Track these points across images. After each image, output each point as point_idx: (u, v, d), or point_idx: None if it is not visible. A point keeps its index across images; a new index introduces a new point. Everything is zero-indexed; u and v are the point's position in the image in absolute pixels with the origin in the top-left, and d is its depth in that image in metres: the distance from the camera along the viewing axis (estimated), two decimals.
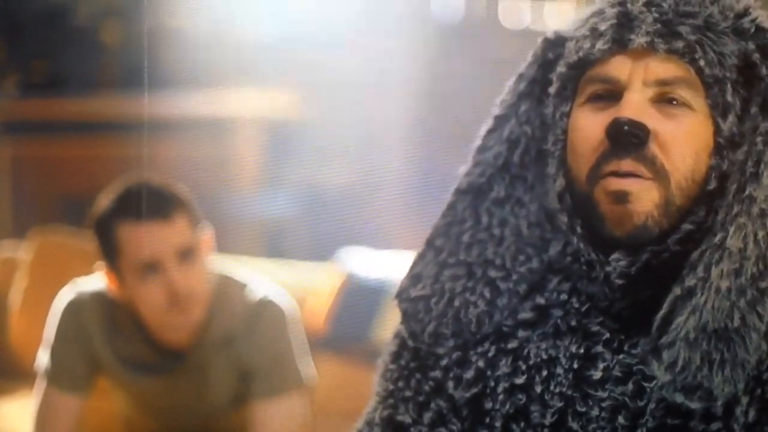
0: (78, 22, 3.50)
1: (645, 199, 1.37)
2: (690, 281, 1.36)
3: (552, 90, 1.45)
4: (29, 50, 3.41)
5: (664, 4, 1.39)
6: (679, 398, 1.35)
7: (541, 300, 1.46)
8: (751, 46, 1.39)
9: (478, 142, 1.50)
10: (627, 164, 1.36)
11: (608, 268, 1.39)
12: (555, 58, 1.46)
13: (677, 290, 1.37)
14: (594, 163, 1.38)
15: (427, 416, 1.47)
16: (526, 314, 1.46)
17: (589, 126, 1.39)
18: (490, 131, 1.50)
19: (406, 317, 1.49)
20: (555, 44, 1.47)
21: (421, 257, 1.50)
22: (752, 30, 1.39)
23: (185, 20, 2.75)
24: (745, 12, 1.40)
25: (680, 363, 1.35)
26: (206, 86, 2.80)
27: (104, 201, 2.52)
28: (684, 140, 1.37)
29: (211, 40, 2.72)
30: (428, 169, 2.59)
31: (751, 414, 1.36)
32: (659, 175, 1.36)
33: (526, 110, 1.48)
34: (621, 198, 1.37)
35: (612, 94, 1.39)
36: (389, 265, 3.02)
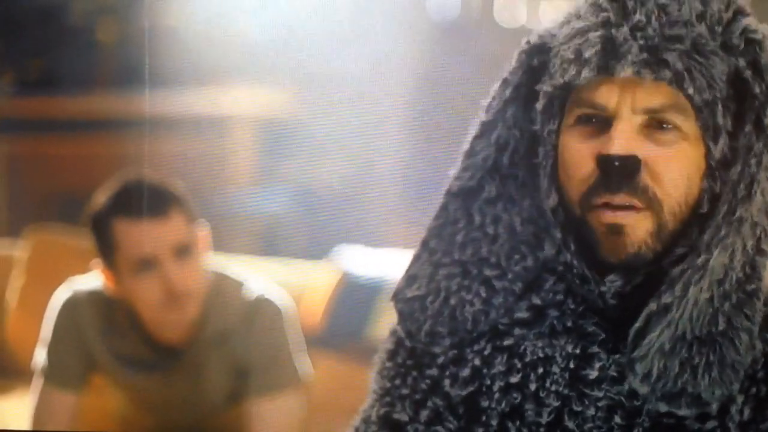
0: (74, 19, 3.50)
1: (639, 229, 1.36)
2: (666, 299, 1.37)
3: (539, 106, 1.43)
4: (25, 48, 3.41)
5: (650, 29, 1.35)
6: (663, 407, 1.36)
7: (537, 300, 1.46)
8: (742, 62, 1.37)
9: (465, 146, 1.49)
10: (620, 198, 1.36)
11: (603, 288, 1.40)
12: (540, 64, 1.44)
13: (653, 306, 1.37)
14: (586, 191, 1.38)
15: (424, 414, 1.48)
16: (522, 314, 1.46)
17: (578, 153, 1.38)
18: (477, 137, 1.48)
19: (403, 317, 1.49)
20: (540, 50, 1.45)
21: (416, 259, 1.50)
22: (741, 46, 1.37)
23: (182, 18, 2.75)
24: (734, 18, 1.38)
25: (655, 373, 1.35)
26: (203, 84, 2.80)
27: (101, 198, 2.53)
28: (675, 166, 1.36)
29: (208, 37, 2.72)
30: (423, 166, 2.59)
31: (746, 412, 1.38)
32: (652, 203, 1.36)
33: (513, 114, 1.47)
34: (616, 230, 1.37)
35: (601, 118, 1.37)
36: (385, 262, 3.02)
